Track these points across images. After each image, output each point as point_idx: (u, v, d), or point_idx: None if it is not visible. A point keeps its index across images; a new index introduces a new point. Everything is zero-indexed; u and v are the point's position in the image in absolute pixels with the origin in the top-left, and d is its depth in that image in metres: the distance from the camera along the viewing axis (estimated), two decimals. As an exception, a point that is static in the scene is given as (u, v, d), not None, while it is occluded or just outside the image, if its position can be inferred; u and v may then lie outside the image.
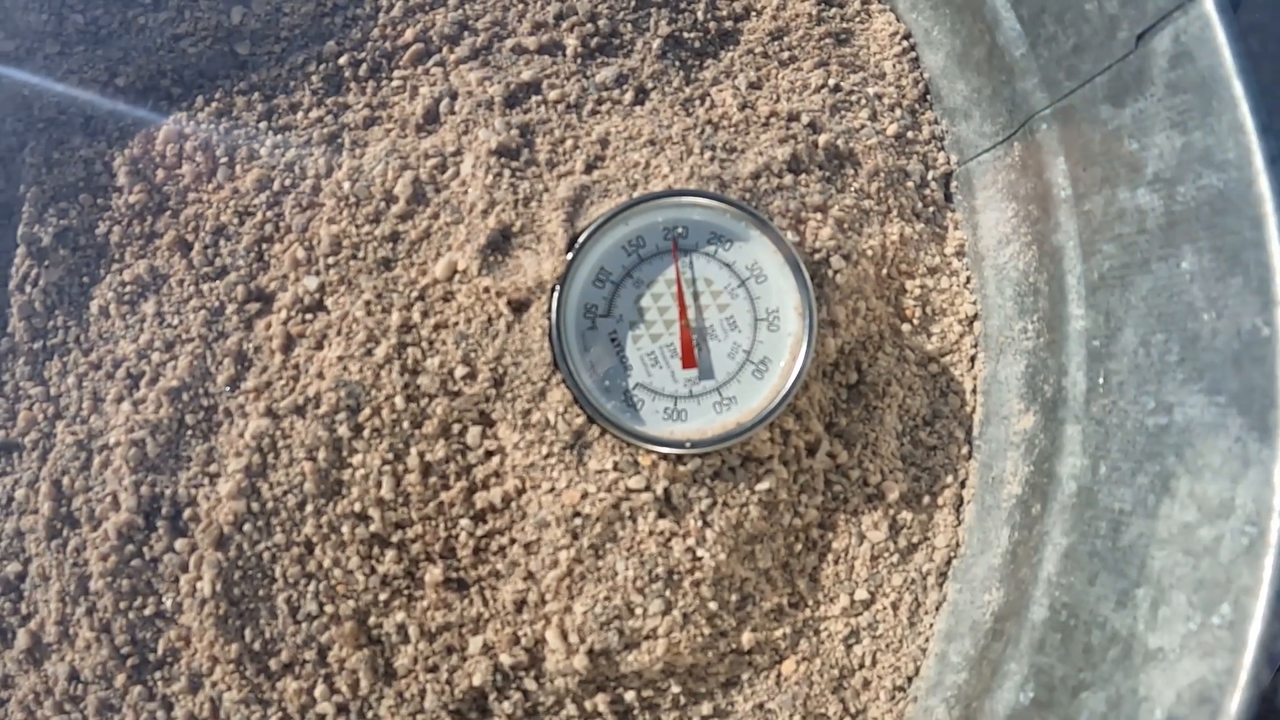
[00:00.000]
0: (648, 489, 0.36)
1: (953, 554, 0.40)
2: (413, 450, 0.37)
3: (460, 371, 0.37)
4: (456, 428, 0.37)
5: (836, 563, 0.40)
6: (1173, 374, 0.32)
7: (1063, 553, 0.35)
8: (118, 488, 0.37)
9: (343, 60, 0.42)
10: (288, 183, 0.40)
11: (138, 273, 0.39)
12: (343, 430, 0.36)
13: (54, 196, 0.40)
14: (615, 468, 0.36)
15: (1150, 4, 0.33)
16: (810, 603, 0.39)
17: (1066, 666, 0.33)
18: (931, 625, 0.40)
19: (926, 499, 0.40)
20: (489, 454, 0.37)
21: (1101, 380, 0.35)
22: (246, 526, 0.36)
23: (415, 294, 0.38)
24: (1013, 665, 0.35)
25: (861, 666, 0.39)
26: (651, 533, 0.36)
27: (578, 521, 0.36)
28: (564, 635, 0.36)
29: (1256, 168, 0.30)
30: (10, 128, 0.42)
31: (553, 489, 0.36)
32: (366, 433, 0.37)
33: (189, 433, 0.38)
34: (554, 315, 0.37)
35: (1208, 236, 0.31)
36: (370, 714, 0.36)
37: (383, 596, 0.36)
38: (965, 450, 0.41)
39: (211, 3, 0.42)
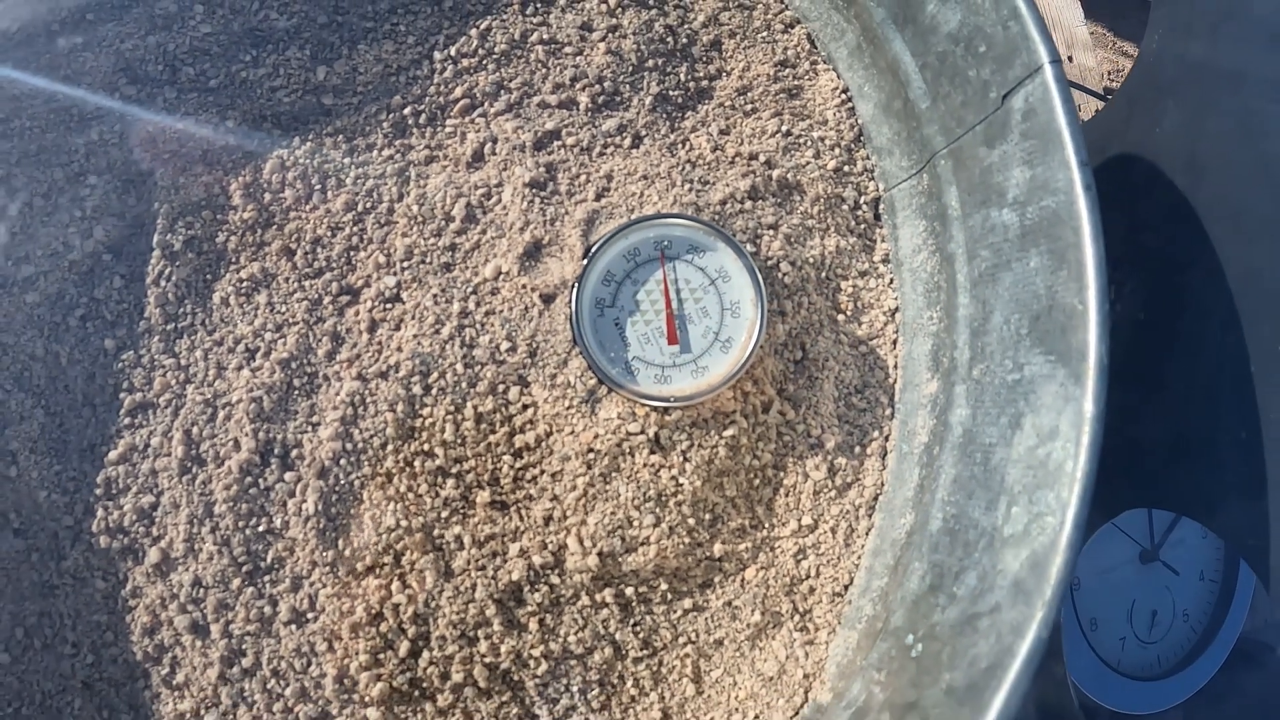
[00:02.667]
0: (642, 432, 0.48)
1: (879, 491, 0.52)
2: (468, 404, 0.48)
3: (504, 346, 0.48)
4: (501, 387, 0.48)
5: (787, 495, 0.51)
6: (1024, 342, 0.44)
7: (952, 479, 0.47)
8: (239, 434, 0.49)
9: (406, 111, 0.53)
10: (368, 205, 0.51)
11: (252, 272, 0.51)
12: (416, 389, 0.48)
13: (181, 212, 0.52)
14: (619, 417, 0.48)
15: (1010, 73, 0.45)
16: (766, 525, 0.51)
17: (951, 558, 0.44)
18: (862, 545, 0.51)
19: (857, 449, 0.52)
20: (525, 407, 0.48)
21: (979, 351, 0.47)
22: (342, 461, 0.48)
23: (470, 289, 0.49)
24: (916, 564, 0.47)
25: (808, 577, 0.51)
26: (645, 465, 0.48)
27: (591, 456, 0.47)
28: (580, 541, 0.47)
29: (1077, 193, 0.42)
30: (139, 156, 0.54)
31: (572, 432, 0.48)
32: (434, 391, 0.48)
33: (296, 392, 0.49)
34: (573, 305, 0.48)
35: (1047, 242, 0.43)
36: (434, 604, 0.47)
37: (444, 514, 0.48)
38: (888, 411, 0.53)
39: (301, 63, 0.54)
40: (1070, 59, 0.88)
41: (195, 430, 0.49)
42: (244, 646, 0.48)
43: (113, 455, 0.50)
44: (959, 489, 0.46)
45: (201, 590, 0.49)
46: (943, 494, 0.47)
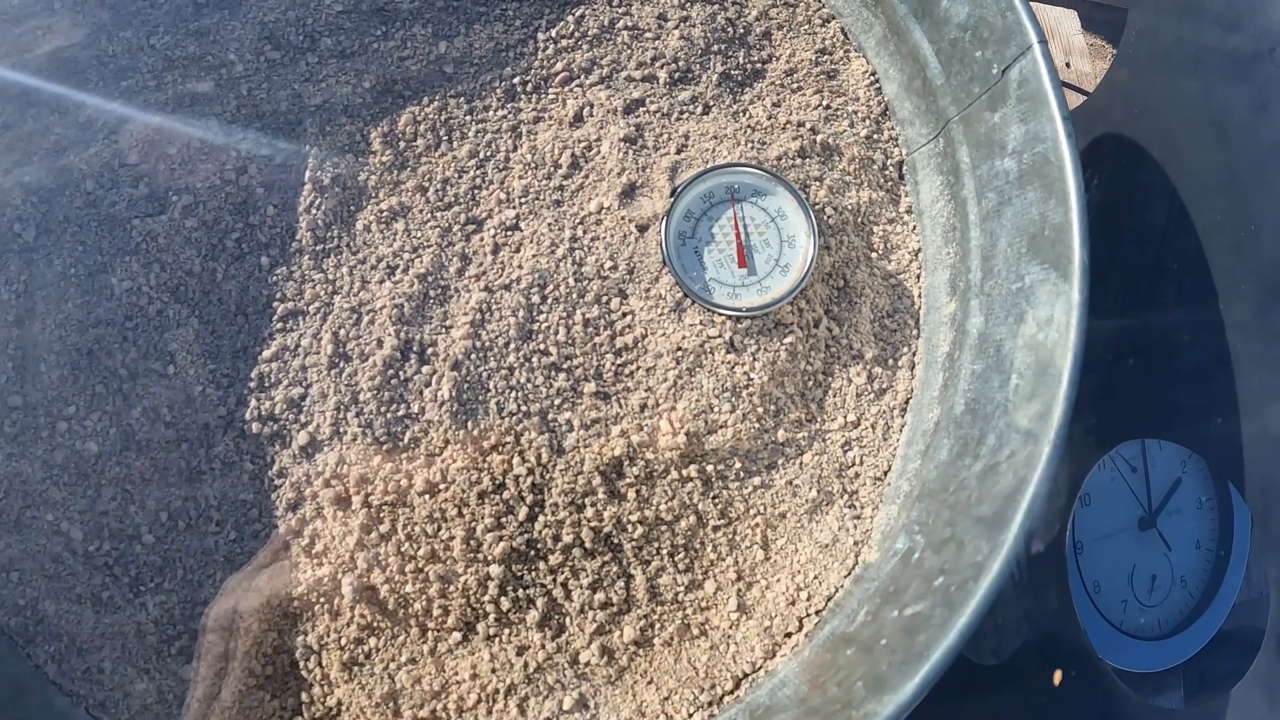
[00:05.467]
0: (720, 336, 0.65)
1: (909, 395, 0.70)
2: (577, 312, 0.65)
3: (608, 265, 0.66)
4: (605, 298, 0.66)
5: (834, 396, 0.69)
6: (1024, 258, 0.63)
7: (970, 372, 0.65)
8: (382, 335, 0.65)
9: (515, 80, 0.72)
10: (487, 154, 0.69)
11: (390, 205, 0.68)
12: (534, 299, 0.65)
13: (328, 154, 0.69)
14: (700, 323, 0.65)
15: (1007, 52, 0.65)
16: (818, 420, 0.68)
17: (973, 430, 0.62)
18: (898, 439, 0.68)
19: (890, 361, 0.70)
20: (624, 314, 0.66)
21: (989, 271, 0.66)
22: (472, 356, 0.64)
23: (578, 220, 0.67)
24: (944, 440, 0.64)
25: (854, 464, 0.68)
26: (723, 362, 0.65)
27: (679, 354, 0.65)
28: (670, 423, 0.64)
29: (1061, 138, 0.61)
30: (286, 110, 0.71)
31: (664, 334, 0.65)
32: (549, 300, 0.65)
33: (431, 301, 0.66)
34: (663, 234, 0.66)
35: (1039, 179, 0.62)
36: (548, 476, 0.63)
37: (556, 401, 0.64)
38: (915, 331, 0.71)
39: (425, 38, 0.72)
40: (1068, 65, 1.11)
41: (342, 332, 0.65)
42: (381, 515, 0.63)
43: (266, 354, 0.65)
44: (976, 378, 0.64)
45: (345, 467, 0.64)
46: (963, 385, 0.65)
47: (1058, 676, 0.75)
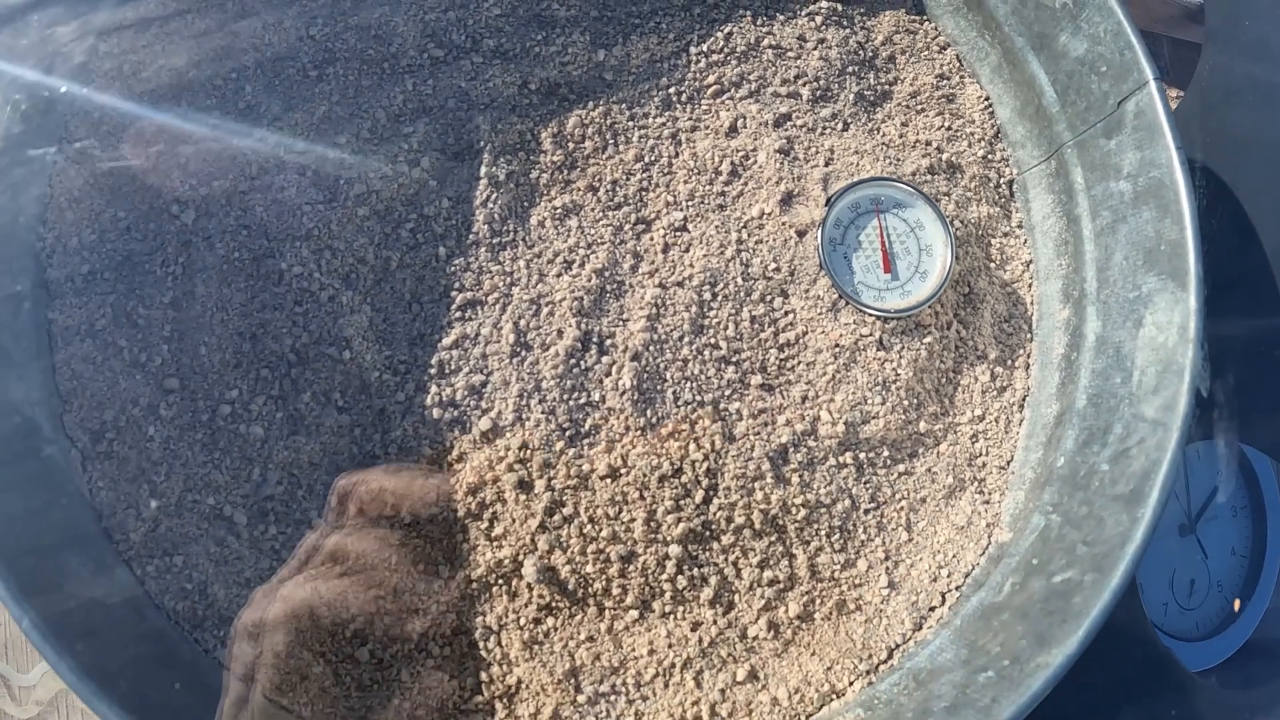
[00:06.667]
0: (871, 335, 0.75)
1: (1027, 392, 0.81)
2: (744, 309, 0.74)
3: (771, 266, 0.75)
4: (769, 296, 0.74)
5: (963, 393, 0.79)
6: (1140, 270, 0.74)
7: (1091, 371, 0.76)
8: (563, 325, 0.72)
9: (670, 90, 0.80)
10: (651, 159, 0.77)
11: (563, 202, 0.75)
12: (706, 296, 0.73)
13: (501, 151, 0.76)
14: (854, 322, 0.75)
15: (1124, 86, 0.77)
16: (951, 413, 0.78)
17: (1099, 421, 0.73)
18: (1018, 431, 0.79)
19: (1009, 360, 0.81)
20: (786, 313, 0.75)
21: (1105, 281, 0.77)
22: (649, 349, 0.72)
23: (742, 224, 0.76)
24: (1069, 431, 0.75)
25: (981, 454, 0.78)
26: (874, 358, 0.75)
27: (836, 349, 0.74)
28: (830, 413, 0.73)
29: (1175, 165, 0.73)
30: (454, 106, 0.77)
31: (823, 331, 0.74)
32: (718, 299, 0.73)
33: (608, 295, 0.73)
34: (819, 240, 0.76)
35: (1154, 200, 0.74)
36: (721, 462, 0.72)
37: (726, 393, 0.73)
38: (1029, 335, 0.82)
39: (584, 45, 0.80)
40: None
41: (523, 322, 0.72)
42: (564, 499, 0.70)
43: (446, 341, 0.72)
44: (1097, 376, 0.75)
45: (528, 452, 0.71)
46: (1084, 382, 0.76)
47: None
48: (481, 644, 0.69)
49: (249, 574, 0.70)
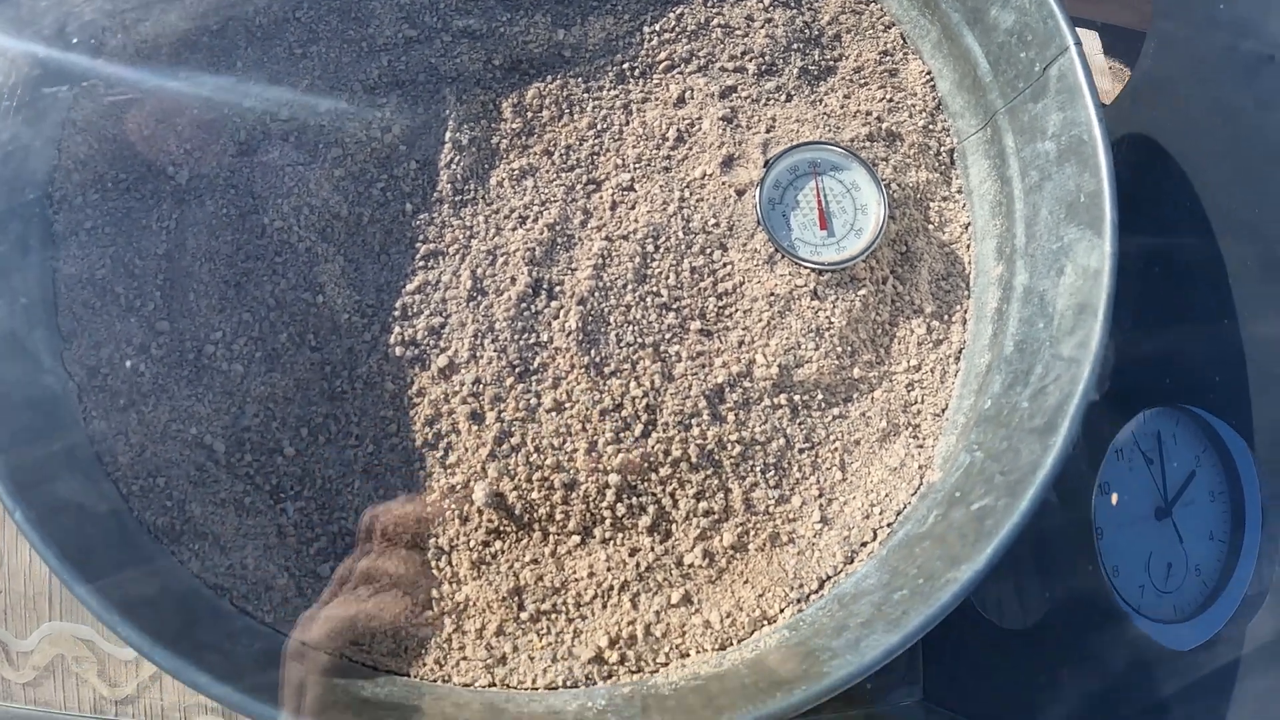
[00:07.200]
0: (805, 285, 0.80)
1: (962, 345, 0.85)
2: (685, 260, 0.80)
3: (711, 222, 0.81)
4: (708, 249, 0.80)
5: (899, 344, 0.84)
6: (1063, 223, 0.79)
7: (1018, 319, 0.80)
8: (515, 273, 0.79)
9: (625, 66, 0.87)
10: (603, 127, 0.84)
11: (520, 164, 0.82)
12: (649, 248, 0.79)
13: (465, 119, 0.83)
14: (789, 273, 0.80)
15: (1048, 52, 0.82)
16: (886, 362, 0.83)
17: (1022, 364, 0.77)
18: (953, 382, 0.84)
19: (945, 315, 0.85)
20: (725, 264, 0.80)
21: (1032, 235, 0.82)
22: (595, 294, 0.78)
23: (685, 184, 0.82)
24: (996, 377, 0.79)
25: (917, 401, 0.83)
26: (808, 307, 0.80)
27: (771, 298, 0.79)
28: (765, 357, 0.78)
29: (1094, 122, 0.78)
30: (424, 80, 0.85)
31: (759, 281, 0.80)
32: (661, 250, 0.80)
33: (558, 247, 0.80)
34: (757, 198, 0.82)
35: (1075, 157, 0.79)
36: (659, 399, 0.77)
37: (667, 336, 0.78)
38: (965, 291, 0.87)
39: (545, 25, 0.87)
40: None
41: (479, 270, 0.79)
42: (512, 429, 0.76)
43: (409, 287, 0.79)
44: (1023, 323, 0.80)
45: (480, 386, 0.77)
46: (1011, 329, 0.80)
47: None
48: (434, 563, 0.75)
49: (224, 495, 0.77)
